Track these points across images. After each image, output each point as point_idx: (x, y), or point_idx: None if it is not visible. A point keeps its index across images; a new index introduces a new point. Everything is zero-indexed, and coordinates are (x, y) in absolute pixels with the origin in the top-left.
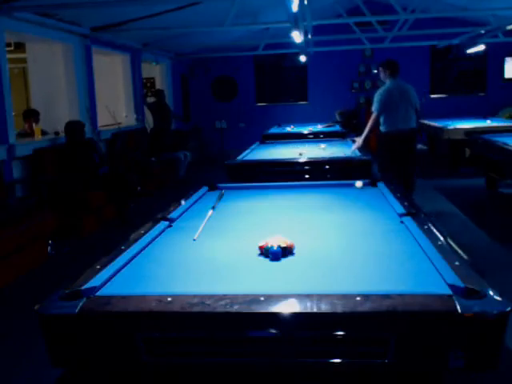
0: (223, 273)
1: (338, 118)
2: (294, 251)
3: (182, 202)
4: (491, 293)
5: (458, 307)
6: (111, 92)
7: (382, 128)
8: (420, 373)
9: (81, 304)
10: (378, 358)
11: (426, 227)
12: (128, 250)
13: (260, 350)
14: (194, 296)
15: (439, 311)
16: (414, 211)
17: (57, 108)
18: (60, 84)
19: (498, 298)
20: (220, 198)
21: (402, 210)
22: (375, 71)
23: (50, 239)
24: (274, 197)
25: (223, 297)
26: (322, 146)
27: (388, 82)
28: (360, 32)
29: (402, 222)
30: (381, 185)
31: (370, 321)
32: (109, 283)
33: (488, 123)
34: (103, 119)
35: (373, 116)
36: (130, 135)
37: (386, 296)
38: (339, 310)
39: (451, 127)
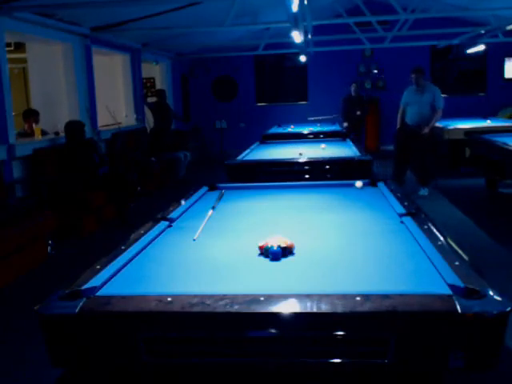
0: (223, 273)
1: (348, 94)
2: (294, 251)
3: (182, 202)
4: (491, 293)
5: (458, 307)
6: (111, 92)
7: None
8: (420, 373)
9: (81, 304)
10: (378, 358)
11: (425, 227)
12: (128, 250)
13: (260, 350)
14: (194, 296)
15: (439, 311)
16: (414, 211)
17: (57, 108)
18: (60, 84)
19: (498, 298)
20: (220, 197)
21: (402, 210)
22: (375, 71)
23: (49, 239)
24: (274, 197)
25: (223, 297)
26: (322, 146)
27: (431, 83)
28: (360, 32)
29: (402, 222)
30: (381, 185)
31: (370, 321)
32: (109, 283)
33: (488, 123)
34: (103, 119)
35: (441, 111)
36: (129, 135)
37: (386, 296)
38: (339, 310)
39: (451, 127)
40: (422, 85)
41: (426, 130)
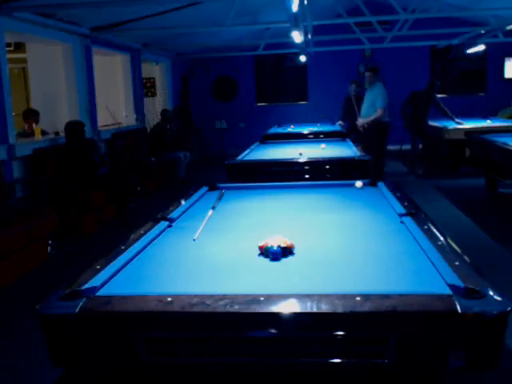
0: (223, 273)
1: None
2: (294, 251)
3: (182, 202)
4: (491, 293)
5: (458, 307)
6: (111, 92)
7: (386, 119)
8: (420, 373)
9: (81, 304)
10: (378, 358)
11: (425, 227)
12: (128, 250)
13: (260, 350)
14: (194, 296)
15: (439, 311)
16: (414, 211)
17: (57, 108)
18: (60, 84)
19: (498, 298)
20: (220, 197)
21: (402, 209)
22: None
23: (50, 239)
24: (274, 197)
25: (223, 297)
26: (322, 145)
27: (380, 83)
28: (360, 32)
29: (402, 222)
30: (381, 185)
31: (369, 321)
32: (109, 283)
33: (488, 123)
34: (103, 119)
35: (382, 110)
36: (129, 135)
37: (386, 296)
38: (339, 310)
39: (451, 127)
40: (371, 83)
41: (358, 122)
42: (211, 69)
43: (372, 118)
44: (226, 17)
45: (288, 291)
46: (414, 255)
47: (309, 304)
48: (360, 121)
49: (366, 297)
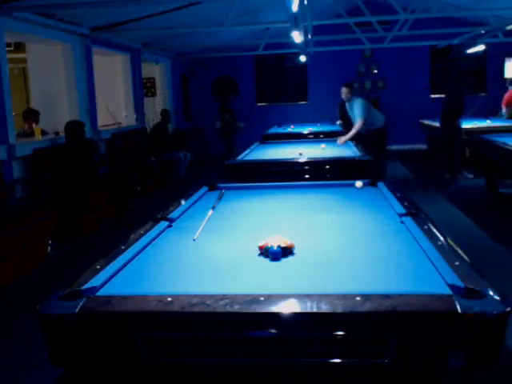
0: (223, 273)
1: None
2: (294, 251)
3: (182, 202)
4: (491, 293)
5: (458, 307)
6: (111, 92)
7: (372, 126)
8: (420, 373)
9: (81, 304)
10: (377, 358)
11: (425, 227)
12: (128, 250)
13: (260, 350)
14: (194, 296)
15: (439, 311)
16: (414, 211)
17: (57, 108)
18: (60, 84)
19: (498, 298)
20: (220, 197)
21: (402, 209)
22: (375, 71)
23: (50, 239)
24: (274, 197)
25: (223, 297)
26: (322, 146)
27: (355, 97)
28: (360, 32)
29: (402, 222)
30: (381, 185)
31: (369, 321)
32: (109, 283)
33: (488, 123)
34: (103, 119)
35: (361, 122)
36: (129, 135)
37: (386, 296)
38: (339, 309)
39: None
40: (348, 99)
41: (342, 140)
42: (211, 69)
43: (352, 133)
44: (226, 17)
45: (288, 291)
46: (414, 255)
47: (309, 304)
48: (342, 138)
49: (366, 297)
